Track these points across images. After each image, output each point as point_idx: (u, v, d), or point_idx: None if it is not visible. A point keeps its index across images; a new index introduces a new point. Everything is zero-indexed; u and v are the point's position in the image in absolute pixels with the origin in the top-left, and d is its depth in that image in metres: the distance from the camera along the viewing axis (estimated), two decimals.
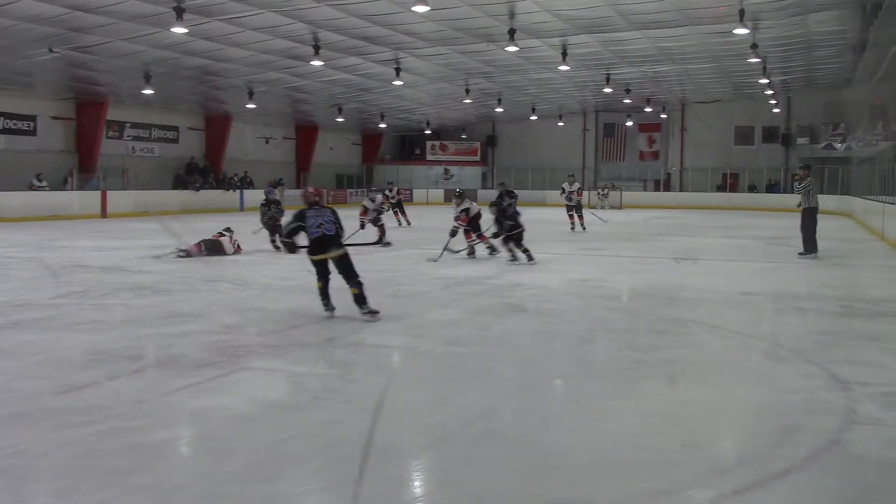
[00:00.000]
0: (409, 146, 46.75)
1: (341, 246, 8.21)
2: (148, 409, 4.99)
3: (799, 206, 14.11)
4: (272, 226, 15.00)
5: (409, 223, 22.92)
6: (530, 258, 12.74)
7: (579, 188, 21.54)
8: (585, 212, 21.99)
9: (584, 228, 20.78)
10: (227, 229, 14.69)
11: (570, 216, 21.02)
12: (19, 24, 17.72)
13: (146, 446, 4.30)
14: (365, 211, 16.66)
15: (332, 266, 8.15)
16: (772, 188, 38.02)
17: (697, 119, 40.13)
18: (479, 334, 7.53)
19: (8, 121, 26.24)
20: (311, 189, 8.64)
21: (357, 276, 8.10)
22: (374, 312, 7.99)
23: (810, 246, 13.96)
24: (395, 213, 23.02)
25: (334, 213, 8.35)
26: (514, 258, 12.93)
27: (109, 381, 5.59)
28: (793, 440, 4.42)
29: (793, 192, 18.00)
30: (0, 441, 4.34)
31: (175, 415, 4.96)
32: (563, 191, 21.18)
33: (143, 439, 4.41)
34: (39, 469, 4.01)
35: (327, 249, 8.11)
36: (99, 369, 5.90)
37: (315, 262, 8.24)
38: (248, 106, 29.81)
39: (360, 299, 8.03)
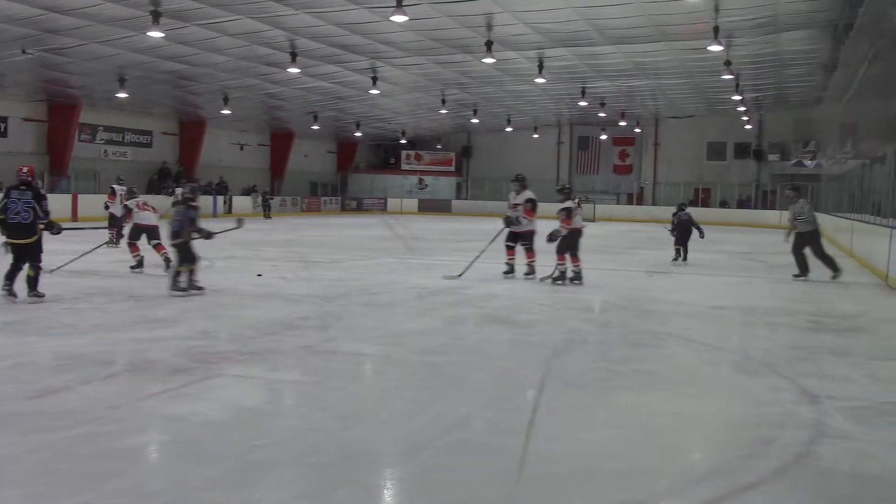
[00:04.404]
0: (385, 155, 46.81)
1: (34, 233, 8.86)
2: (122, 415, 4.94)
3: (790, 233, 13.22)
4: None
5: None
6: None
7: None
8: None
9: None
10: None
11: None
12: None
13: (120, 451, 4.27)
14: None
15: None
16: (743, 204, 38.42)
17: (671, 134, 40.54)
18: (454, 343, 7.55)
19: None
20: (24, 168, 9.11)
21: (40, 260, 9.01)
22: (39, 295, 8.91)
23: (832, 265, 13.16)
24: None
25: (36, 195, 8.90)
26: None
27: (82, 385, 5.54)
28: (764, 452, 4.48)
29: (775, 209, 17.31)
30: None
31: (149, 420, 4.93)
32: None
33: (118, 444, 4.38)
34: (11, 473, 3.96)
35: (21, 236, 8.81)
36: (72, 373, 5.84)
37: (10, 244, 8.87)
38: (223, 112, 29.70)
39: (32, 282, 8.93)
